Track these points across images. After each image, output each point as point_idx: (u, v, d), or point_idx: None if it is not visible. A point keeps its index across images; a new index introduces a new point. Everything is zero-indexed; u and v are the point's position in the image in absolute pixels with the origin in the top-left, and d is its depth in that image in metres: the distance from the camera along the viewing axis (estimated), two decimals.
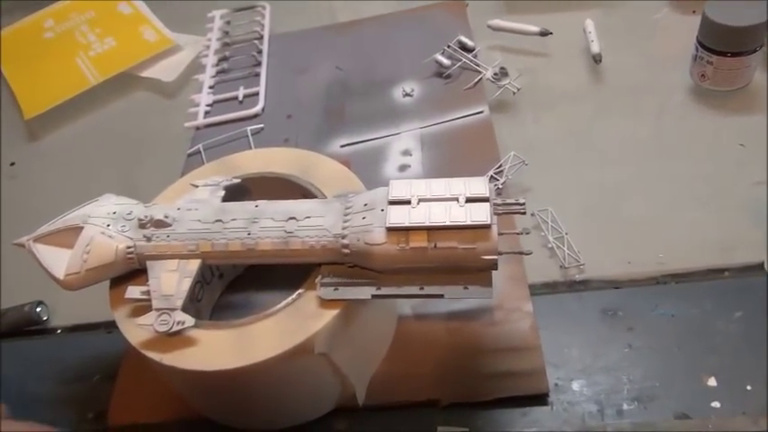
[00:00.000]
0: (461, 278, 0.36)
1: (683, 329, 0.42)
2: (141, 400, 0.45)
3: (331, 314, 0.36)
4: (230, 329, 0.37)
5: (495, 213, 0.35)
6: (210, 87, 0.70)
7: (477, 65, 0.63)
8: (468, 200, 0.35)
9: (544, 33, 0.66)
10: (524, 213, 0.36)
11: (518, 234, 0.38)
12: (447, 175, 0.55)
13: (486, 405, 0.41)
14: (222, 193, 0.42)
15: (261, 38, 0.74)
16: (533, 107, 0.61)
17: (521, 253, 0.37)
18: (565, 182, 0.54)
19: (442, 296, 0.35)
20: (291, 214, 0.38)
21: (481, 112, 0.59)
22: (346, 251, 0.36)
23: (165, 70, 0.76)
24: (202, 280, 0.47)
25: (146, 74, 0.76)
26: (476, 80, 0.62)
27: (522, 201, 0.36)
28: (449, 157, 0.56)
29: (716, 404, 0.39)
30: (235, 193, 0.44)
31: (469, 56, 0.64)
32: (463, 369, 0.42)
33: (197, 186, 0.43)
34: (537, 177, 0.54)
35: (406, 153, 0.58)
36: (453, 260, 0.35)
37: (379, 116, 0.62)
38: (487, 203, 0.35)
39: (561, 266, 0.47)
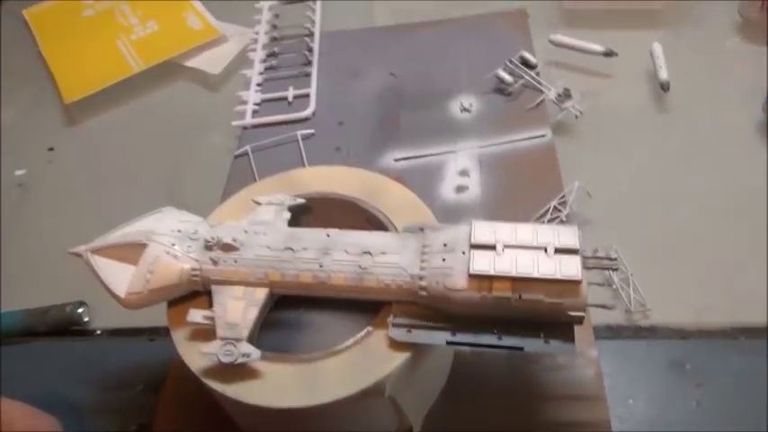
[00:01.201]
0: (541, 329, 0.34)
1: (754, 391, 0.41)
2: (187, 414, 0.44)
3: (402, 357, 0.35)
4: (296, 364, 0.35)
5: (585, 267, 0.34)
6: (258, 85, 0.68)
7: (540, 83, 0.61)
8: (558, 250, 0.34)
9: (609, 54, 0.64)
10: (616, 270, 0.34)
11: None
12: (507, 201, 0.54)
13: None
14: (288, 214, 0.40)
15: (311, 35, 0.72)
16: (595, 133, 0.59)
17: (604, 306, 0.36)
18: (628, 217, 0.52)
19: (521, 349, 0.34)
20: (366, 248, 0.36)
21: (543, 135, 0.57)
22: (423, 293, 0.35)
23: (210, 61, 0.74)
24: None
25: (190, 63, 0.74)
26: (538, 100, 0.60)
27: (614, 256, 0.34)
28: (508, 182, 0.54)
29: None
30: (296, 211, 0.43)
31: (532, 73, 0.61)
32: (522, 411, 0.41)
33: (259, 204, 0.42)
34: (599, 210, 0.52)
35: (464, 173, 0.56)
36: (537, 312, 0.34)
37: (436, 131, 0.60)
38: (578, 257, 0.33)
39: (627, 310, 0.46)
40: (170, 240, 0.37)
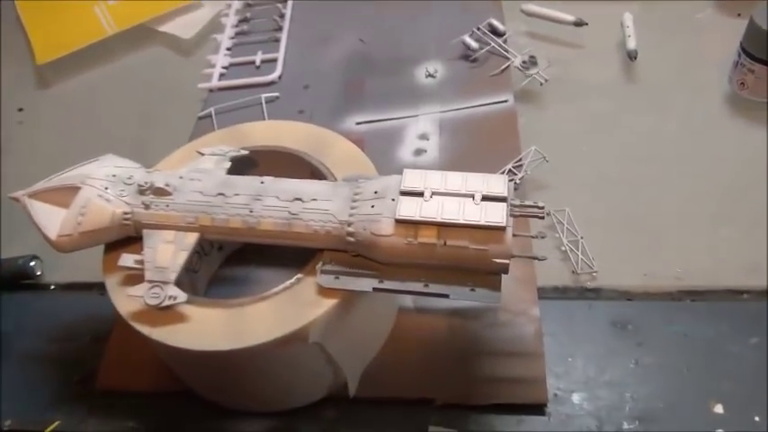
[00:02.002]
0: (469, 279, 0.34)
1: (694, 350, 0.41)
2: (130, 367, 0.44)
3: (329, 303, 0.35)
4: (224, 309, 0.35)
5: (512, 215, 0.33)
6: (228, 49, 0.68)
7: (507, 51, 0.60)
8: (485, 198, 0.33)
9: (579, 24, 0.63)
10: (543, 218, 0.34)
11: (533, 238, 0.36)
12: (463, 164, 0.54)
13: (481, 409, 0.39)
14: (228, 164, 0.40)
15: (284, 1, 0.72)
16: (560, 100, 0.59)
17: (533, 257, 0.35)
18: (586, 182, 0.52)
19: (447, 296, 0.34)
20: (297, 195, 0.36)
21: (506, 101, 0.57)
22: (351, 239, 0.35)
23: (183, 26, 0.73)
24: (201, 251, 0.46)
25: (163, 28, 0.74)
26: (503, 67, 0.59)
27: (541, 204, 0.34)
28: (467, 146, 0.54)
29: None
30: (242, 164, 0.43)
31: (499, 40, 0.61)
32: (462, 370, 0.41)
33: (203, 154, 0.41)
34: (557, 175, 0.52)
35: (423, 137, 0.55)
36: (462, 260, 0.33)
37: (399, 95, 0.59)
38: (504, 204, 0.33)
39: (573, 272, 0.45)
40: (103, 184, 0.37)
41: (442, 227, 0.33)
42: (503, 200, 0.33)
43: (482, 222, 0.32)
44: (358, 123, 0.58)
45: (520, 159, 0.51)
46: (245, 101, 0.61)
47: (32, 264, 0.51)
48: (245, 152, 0.42)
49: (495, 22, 0.62)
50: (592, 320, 0.43)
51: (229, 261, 0.49)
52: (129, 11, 0.76)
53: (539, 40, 0.64)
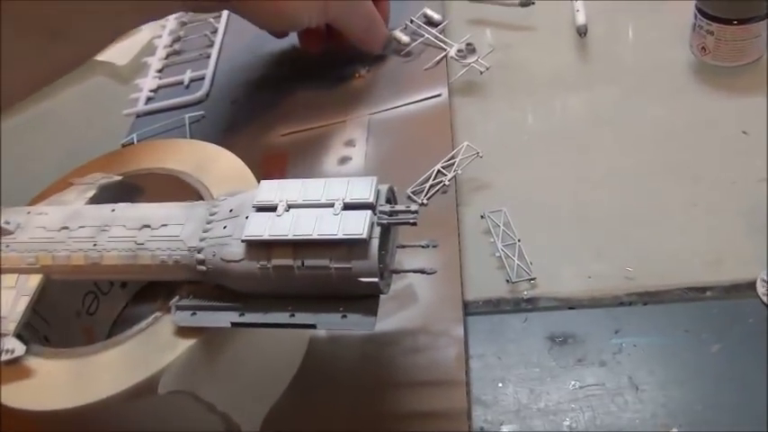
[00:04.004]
0: (341, 304, 0.29)
1: (645, 363, 0.34)
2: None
3: (185, 345, 0.30)
4: (72, 359, 0.31)
5: (379, 223, 0.28)
6: (159, 71, 0.64)
7: (444, 41, 0.55)
8: (348, 206, 0.28)
9: (525, 4, 0.57)
10: (414, 224, 0.28)
11: (423, 247, 0.30)
12: (391, 169, 0.48)
13: None
14: (91, 193, 0.36)
15: (219, 15, 0.68)
16: (507, 90, 0.53)
17: (421, 272, 0.30)
18: (530, 178, 0.46)
19: (314, 326, 0.28)
20: (146, 221, 0.31)
21: (439, 95, 0.51)
22: (202, 268, 0.30)
23: (119, 53, 0.70)
24: (97, 290, 0.42)
25: (101, 57, 0.71)
26: (437, 59, 0.54)
27: (414, 208, 0.28)
28: (396, 149, 0.49)
29: None
30: (127, 193, 0.38)
31: (434, 31, 0.56)
32: (374, 405, 0.35)
33: (72, 184, 0.37)
34: (500, 172, 0.46)
35: (350, 143, 0.50)
36: (327, 283, 0.28)
37: (329, 101, 0.55)
38: (368, 212, 0.28)
39: (508, 281, 0.39)
40: None
41: (297, 246, 0.28)
42: (368, 207, 0.28)
43: (339, 236, 0.27)
44: (283, 135, 0.53)
45: (451, 157, 0.46)
46: (169, 122, 0.57)
47: None
48: (118, 178, 0.38)
49: (430, 12, 0.57)
50: (527, 336, 0.37)
51: (138, 298, 0.45)
52: None
53: (485, 25, 0.59)
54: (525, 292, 0.39)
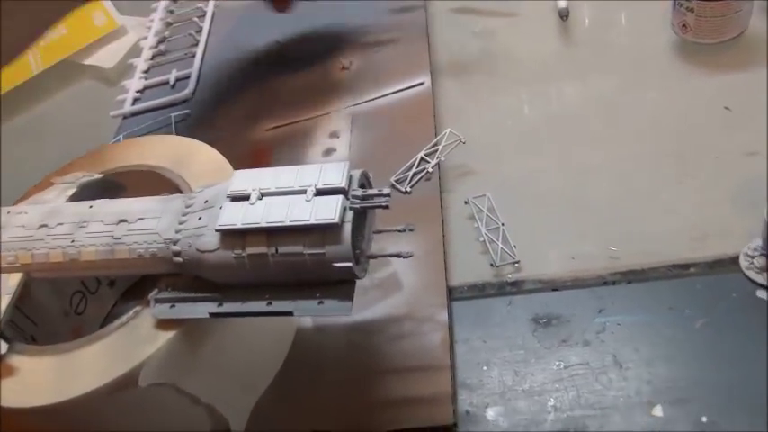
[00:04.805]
0: (318, 290, 0.29)
1: (629, 341, 0.34)
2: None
3: (165, 337, 0.30)
4: (55, 356, 0.31)
5: (352, 208, 0.28)
6: (145, 72, 0.64)
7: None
8: (320, 192, 0.28)
9: None
10: (386, 207, 0.28)
11: (399, 232, 0.30)
12: (375, 158, 0.48)
13: None
14: (72, 191, 0.36)
15: (203, 15, 0.68)
16: (491, 76, 0.53)
17: (397, 255, 0.30)
18: (515, 163, 0.45)
19: (291, 313, 0.28)
20: (123, 216, 0.31)
21: (422, 83, 0.51)
22: (178, 260, 0.30)
23: (106, 56, 0.70)
24: (84, 290, 0.42)
25: (88, 61, 0.71)
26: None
27: (385, 191, 0.28)
28: (380, 138, 0.49)
29: None
30: (108, 191, 0.38)
31: None
32: (360, 393, 0.35)
33: (54, 184, 0.37)
34: (483, 159, 0.46)
35: (334, 135, 0.50)
36: (302, 269, 0.28)
37: (313, 94, 0.55)
38: (340, 197, 0.28)
39: (492, 264, 0.39)
40: None
41: (271, 233, 0.28)
42: (339, 192, 0.28)
43: (311, 221, 0.27)
44: (268, 129, 0.53)
45: (435, 145, 0.46)
46: (155, 122, 0.57)
47: None
48: (99, 176, 0.38)
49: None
50: (511, 319, 0.37)
51: (126, 297, 0.45)
52: (57, 48, 0.73)
53: (468, 13, 0.59)
54: (509, 276, 0.39)
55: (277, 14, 0.62)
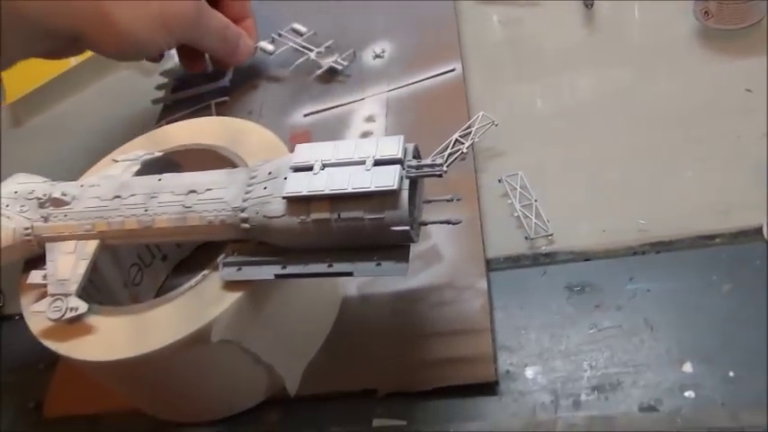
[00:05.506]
0: (376, 253, 0.31)
1: (658, 307, 0.36)
2: (77, 390, 0.42)
3: (233, 298, 0.33)
4: (129, 315, 0.34)
5: (408, 177, 0.30)
6: None
7: (306, 47, 0.59)
8: (378, 162, 0.31)
9: None
10: (440, 176, 0.31)
11: (447, 201, 0.33)
12: (412, 141, 0.50)
13: (427, 395, 0.36)
14: (136, 168, 0.39)
15: None
16: (518, 63, 0.55)
17: (447, 222, 0.32)
18: (543, 144, 0.48)
19: (351, 274, 0.31)
20: (192, 187, 0.34)
21: (453, 70, 0.53)
22: (246, 226, 0.32)
23: None
24: (140, 262, 0.45)
25: None
26: (299, 61, 0.58)
27: (439, 161, 0.31)
28: (414, 121, 0.51)
29: (690, 394, 0.33)
30: (165, 168, 0.41)
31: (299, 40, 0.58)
32: (405, 355, 0.38)
33: (117, 161, 0.40)
34: (514, 140, 0.48)
35: (370, 119, 0.53)
36: (362, 233, 0.31)
37: (348, 81, 0.57)
38: (397, 166, 0.30)
39: (527, 238, 0.42)
40: (4, 202, 0.36)
41: (334, 200, 0.30)
42: (396, 162, 0.31)
43: (372, 188, 0.30)
44: (305, 115, 0.56)
45: (468, 127, 0.48)
46: (194, 109, 0.60)
47: None
48: (159, 154, 0.41)
49: (297, 26, 0.62)
50: (546, 287, 0.39)
51: (177, 270, 0.48)
52: None
53: (493, 4, 0.61)
54: (543, 248, 0.41)
55: (307, 5, 0.65)
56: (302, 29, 0.62)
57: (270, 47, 0.61)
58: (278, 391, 0.38)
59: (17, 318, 0.51)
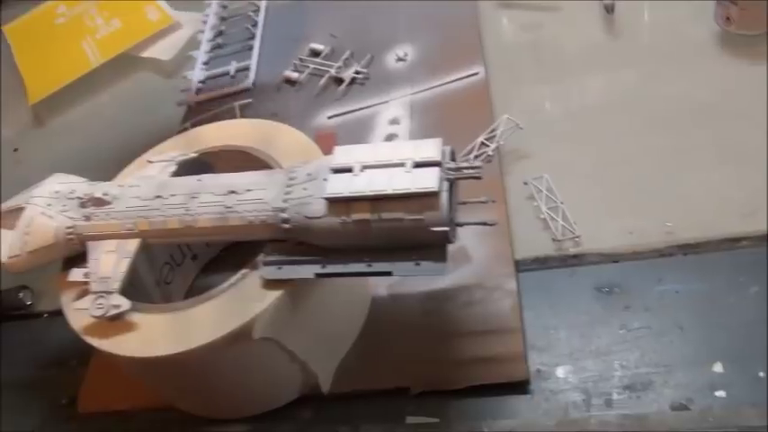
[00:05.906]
0: (414, 253, 0.32)
1: (687, 307, 0.37)
2: (110, 387, 0.43)
3: (273, 296, 0.33)
4: (170, 313, 0.34)
5: (447, 179, 0.31)
6: (205, 63, 0.68)
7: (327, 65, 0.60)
8: (417, 165, 0.31)
9: None
10: (479, 178, 0.31)
11: (482, 203, 0.34)
12: None
13: (459, 393, 0.37)
14: (173, 168, 0.39)
15: (257, 10, 0.71)
16: (540, 66, 0.56)
17: (483, 224, 0.33)
18: (568, 146, 0.48)
19: (390, 273, 0.32)
20: (232, 188, 0.35)
21: (476, 73, 0.54)
22: (287, 226, 0.33)
23: (163, 49, 0.74)
24: (172, 262, 0.45)
25: (145, 54, 0.74)
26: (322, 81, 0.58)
27: (477, 164, 0.31)
28: (439, 124, 0.52)
29: (721, 393, 0.33)
30: (198, 169, 0.42)
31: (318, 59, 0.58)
32: (437, 354, 0.39)
33: (152, 162, 0.41)
34: (538, 143, 0.49)
35: (395, 122, 0.53)
36: (402, 234, 0.31)
37: (371, 84, 0.58)
38: (437, 168, 0.31)
39: (554, 240, 0.42)
40: (46, 202, 0.37)
41: (375, 201, 0.31)
42: (435, 164, 0.31)
43: (413, 190, 0.30)
44: (329, 117, 0.56)
45: (493, 130, 0.49)
46: (219, 110, 0.61)
47: (21, 294, 0.52)
48: (194, 155, 0.41)
49: (315, 45, 0.60)
50: (575, 288, 0.40)
51: (206, 270, 0.49)
52: (113, 42, 0.77)
53: (513, 8, 0.62)
54: (571, 249, 0.42)
55: (327, 9, 0.66)
56: (319, 47, 0.63)
57: (294, 75, 0.61)
58: (311, 388, 0.39)
59: (46, 315, 0.52)
